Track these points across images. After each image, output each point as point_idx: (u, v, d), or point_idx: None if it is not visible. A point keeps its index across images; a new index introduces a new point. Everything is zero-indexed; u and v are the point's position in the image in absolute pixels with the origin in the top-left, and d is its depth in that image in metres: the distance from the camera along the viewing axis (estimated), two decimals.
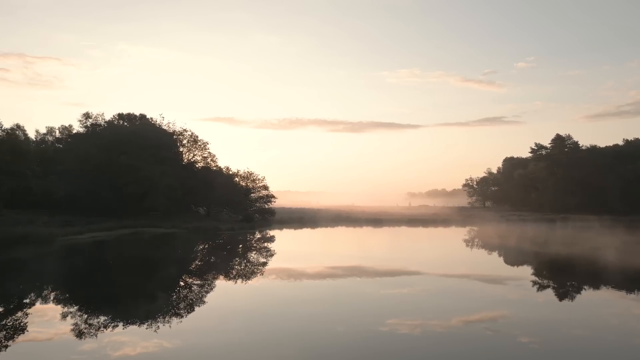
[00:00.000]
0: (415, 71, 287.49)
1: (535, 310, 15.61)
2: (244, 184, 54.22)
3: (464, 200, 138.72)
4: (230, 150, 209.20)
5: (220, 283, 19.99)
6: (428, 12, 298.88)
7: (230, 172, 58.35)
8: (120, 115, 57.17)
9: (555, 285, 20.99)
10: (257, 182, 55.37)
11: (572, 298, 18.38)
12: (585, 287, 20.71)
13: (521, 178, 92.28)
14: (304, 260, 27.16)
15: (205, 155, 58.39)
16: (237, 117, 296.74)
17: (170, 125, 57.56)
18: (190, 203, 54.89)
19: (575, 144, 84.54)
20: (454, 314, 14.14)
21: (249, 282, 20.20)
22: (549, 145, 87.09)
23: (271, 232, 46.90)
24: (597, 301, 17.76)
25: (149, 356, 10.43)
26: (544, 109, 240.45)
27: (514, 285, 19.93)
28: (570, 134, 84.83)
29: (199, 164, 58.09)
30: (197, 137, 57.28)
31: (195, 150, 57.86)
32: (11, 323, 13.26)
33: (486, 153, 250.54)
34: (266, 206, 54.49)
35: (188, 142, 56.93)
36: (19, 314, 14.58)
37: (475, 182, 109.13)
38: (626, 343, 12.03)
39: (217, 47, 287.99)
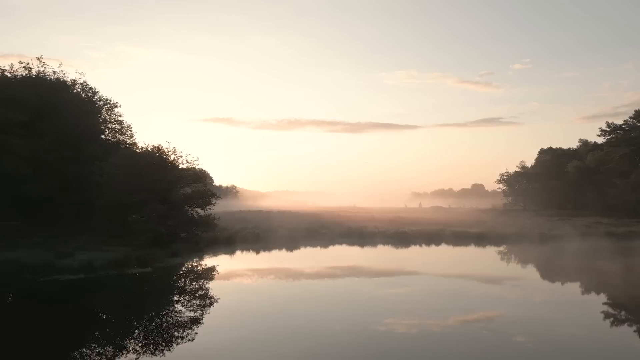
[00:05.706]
0: (412, 72, 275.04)
1: None
2: (163, 171, 28.77)
3: (474, 202, 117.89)
4: (229, 151, 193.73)
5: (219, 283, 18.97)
6: (425, 14, 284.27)
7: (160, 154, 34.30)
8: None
9: None
10: (185, 164, 29.64)
11: None
12: None
13: (579, 172, 69.36)
14: None
15: (114, 125, 35.41)
16: (235, 118, 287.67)
17: (58, 74, 34.51)
18: (78, 206, 31.75)
19: None
20: None
21: (248, 282, 18.99)
22: (624, 126, 63.78)
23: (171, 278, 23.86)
24: None
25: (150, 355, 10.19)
26: (541, 110, 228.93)
27: None
28: None
29: (115, 141, 34.96)
30: (95, 91, 34.31)
31: (96, 116, 34.73)
32: None
33: (486, 153, 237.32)
34: (199, 212, 29.06)
35: (79, 100, 33.79)
36: None
37: (511, 178, 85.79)
38: (621, 343, 11.71)
39: (216, 49, 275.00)
